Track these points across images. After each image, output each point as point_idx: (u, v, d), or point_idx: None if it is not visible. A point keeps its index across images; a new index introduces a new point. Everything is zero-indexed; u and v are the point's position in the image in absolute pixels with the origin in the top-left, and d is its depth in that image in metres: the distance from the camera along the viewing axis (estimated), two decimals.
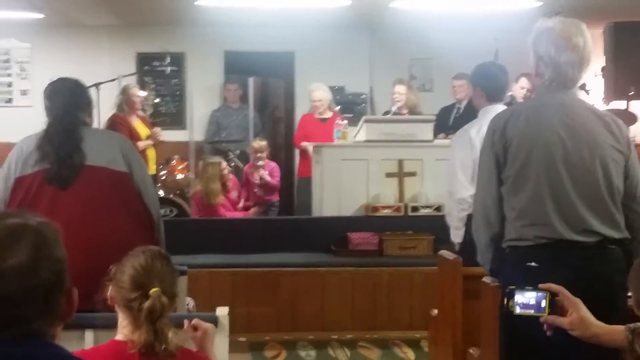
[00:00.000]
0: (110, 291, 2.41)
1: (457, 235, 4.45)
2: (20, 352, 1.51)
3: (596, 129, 2.97)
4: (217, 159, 7.75)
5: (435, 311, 4.42)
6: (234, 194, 7.81)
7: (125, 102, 7.51)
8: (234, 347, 3.09)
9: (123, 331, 2.37)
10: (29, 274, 1.51)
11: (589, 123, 2.97)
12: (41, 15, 8.51)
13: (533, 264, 2.89)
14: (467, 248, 4.20)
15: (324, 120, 8.02)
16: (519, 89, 7.73)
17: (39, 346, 1.54)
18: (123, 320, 2.38)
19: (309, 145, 7.70)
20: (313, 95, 8.11)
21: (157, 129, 7.79)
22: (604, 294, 2.79)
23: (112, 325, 2.52)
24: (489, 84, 4.56)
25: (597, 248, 2.90)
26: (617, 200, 2.95)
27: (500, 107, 4.60)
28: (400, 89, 7.94)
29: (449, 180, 4.57)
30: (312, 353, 5.70)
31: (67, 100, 3.61)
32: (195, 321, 2.59)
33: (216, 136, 9.18)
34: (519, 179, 2.97)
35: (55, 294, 1.56)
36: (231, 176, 7.84)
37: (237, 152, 8.74)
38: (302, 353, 5.69)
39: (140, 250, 2.46)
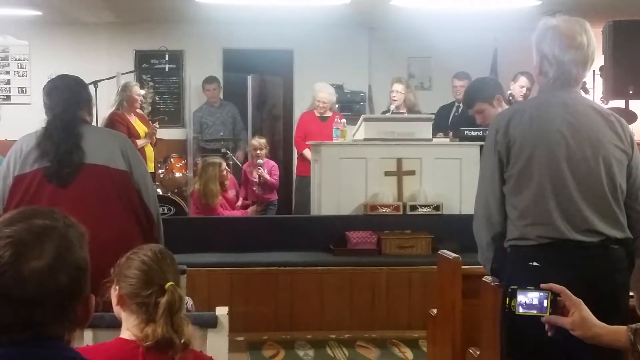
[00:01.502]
0: (117, 290, 2.36)
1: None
2: (35, 354, 1.49)
3: (600, 128, 2.95)
4: (217, 159, 7.71)
5: (434, 311, 4.41)
6: (231, 193, 7.79)
7: (126, 99, 7.47)
8: (232, 346, 3.07)
9: (131, 329, 2.32)
10: (49, 279, 1.49)
11: (592, 122, 2.96)
12: (39, 13, 8.50)
13: (535, 263, 2.88)
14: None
15: (324, 119, 8.03)
16: (518, 87, 7.74)
17: (54, 348, 1.52)
18: (131, 319, 2.33)
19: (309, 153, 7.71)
20: (319, 95, 8.10)
21: (154, 124, 7.76)
22: (606, 294, 2.78)
23: (112, 325, 2.50)
24: (501, 88, 4.70)
25: (600, 248, 2.89)
26: (620, 200, 2.94)
27: None
28: (399, 87, 7.95)
29: None
30: (311, 352, 5.68)
31: (67, 98, 3.60)
32: None
33: (200, 135, 9.15)
34: (522, 178, 2.95)
35: (72, 301, 1.53)
36: (229, 176, 7.81)
37: (223, 150, 8.72)
38: (300, 352, 5.68)
39: (145, 246, 2.43)
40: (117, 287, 2.36)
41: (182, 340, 2.28)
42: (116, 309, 2.38)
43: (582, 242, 2.88)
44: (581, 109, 2.99)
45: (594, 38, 3.03)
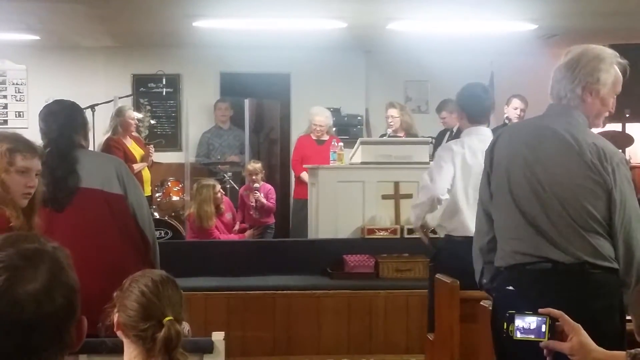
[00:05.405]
0: (117, 318, 2.33)
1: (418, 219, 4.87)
2: None
3: (570, 155, 2.93)
4: (211, 181, 7.72)
5: (432, 335, 4.39)
6: (228, 216, 7.77)
7: (121, 124, 7.48)
8: None
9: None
10: (45, 301, 1.48)
11: (557, 147, 2.96)
12: (37, 37, 8.52)
13: (510, 287, 2.91)
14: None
15: (321, 142, 8.03)
16: (512, 109, 7.77)
17: None
18: (132, 349, 2.31)
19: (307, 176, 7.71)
20: (315, 119, 8.12)
21: (150, 147, 7.77)
22: (583, 319, 2.74)
23: (113, 351, 2.47)
24: (470, 106, 4.64)
25: (574, 273, 2.89)
26: (593, 226, 2.90)
27: (483, 129, 4.61)
28: (393, 112, 7.97)
29: (431, 176, 4.75)
30: None
31: (63, 123, 3.62)
32: None
33: (207, 157, 9.16)
34: (498, 198, 3.05)
35: (67, 322, 1.53)
36: (224, 199, 7.79)
37: (230, 173, 8.73)
38: None
39: (148, 273, 2.38)
40: (117, 314, 2.33)
41: None
42: (119, 333, 2.36)
43: (557, 265, 2.88)
44: (548, 133, 2.98)
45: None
